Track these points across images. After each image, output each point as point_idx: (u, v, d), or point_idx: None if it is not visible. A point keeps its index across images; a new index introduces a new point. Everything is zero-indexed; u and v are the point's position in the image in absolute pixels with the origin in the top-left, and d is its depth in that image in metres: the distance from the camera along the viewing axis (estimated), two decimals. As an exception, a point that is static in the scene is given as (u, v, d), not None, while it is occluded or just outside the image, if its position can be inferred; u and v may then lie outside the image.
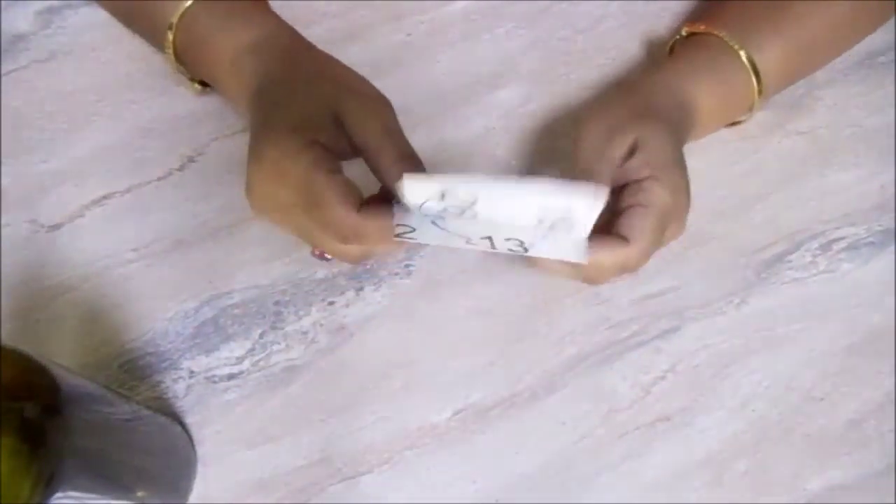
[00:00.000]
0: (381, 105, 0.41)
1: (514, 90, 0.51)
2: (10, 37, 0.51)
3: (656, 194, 0.40)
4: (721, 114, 0.47)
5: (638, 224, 0.40)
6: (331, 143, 0.39)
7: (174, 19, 0.44)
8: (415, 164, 0.40)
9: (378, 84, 0.51)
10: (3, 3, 0.52)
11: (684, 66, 0.46)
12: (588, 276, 0.41)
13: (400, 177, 0.36)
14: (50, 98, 0.50)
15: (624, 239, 0.40)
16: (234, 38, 0.43)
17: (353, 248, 0.39)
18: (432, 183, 0.36)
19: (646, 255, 0.41)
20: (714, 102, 0.45)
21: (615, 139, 0.41)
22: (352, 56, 0.51)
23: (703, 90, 0.45)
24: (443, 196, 0.37)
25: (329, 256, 0.43)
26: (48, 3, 0.52)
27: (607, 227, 0.41)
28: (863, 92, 0.52)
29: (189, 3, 0.43)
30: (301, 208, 0.38)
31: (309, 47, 0.44)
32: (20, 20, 0.51)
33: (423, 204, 0.37)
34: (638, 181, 0.41)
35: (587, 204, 0.36)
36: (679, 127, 0.44)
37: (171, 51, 0.45)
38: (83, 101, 0.50)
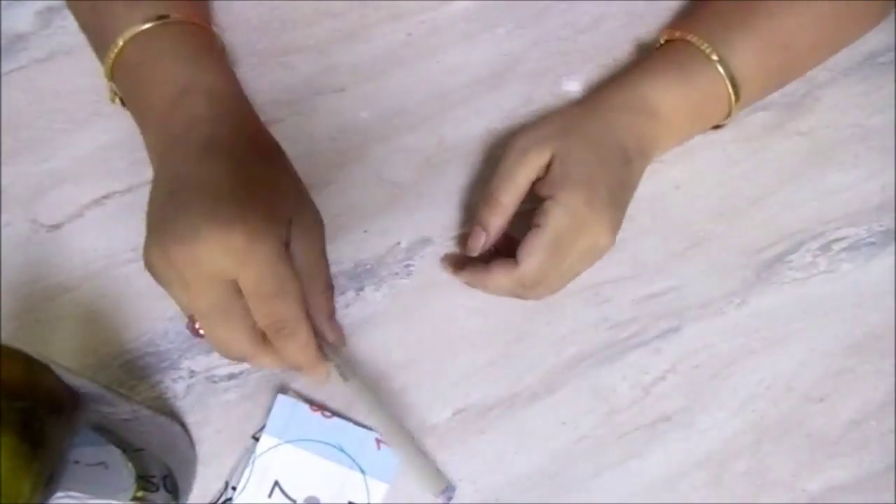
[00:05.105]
0: (320, 228, 0.42)
1: (514, 90, 0.51)
2: (10, 36, 0.51)
3: (551, 215, 0.42)
4: (693, 119, 0.47)
5: (527, 245, 0.42)
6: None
7: (122, 39, 0.42)
8: (332, 294, 0.43)
9: (378, 84, 0.51)
10: (3, 2, 0.52)
11: (650, 73, 0.46)
12: (487, 290, 0.45)
13: (328, 307, 0.42)
14: (50, 98, 0.50)
15: (515, 261, 0.43)
16: (191, 74, 0.41)
17: (245, 346, 0.37)
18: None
19: (538, 275, 0.42)
20: (682, 107, 0.45)
21: (528, 159, 0.43)
22: (352, 56, 0.52)
23: (668, 96, 0.45)
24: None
25: (202, 334, 0.40)
26: (48, 2, 0.52)
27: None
28: (863, 92, 0.52)
29: (148, 25, 0.42)
30: (238, 290, 0.36)
31: (261, 131, 0.43)
32: (20, 20, 0.51)
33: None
34: (542, 200, 0.43)
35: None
36: (631, 137, 0.44)
37: (109, 62, 0.43)
38: (83, 101, 0.50)
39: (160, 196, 0.37)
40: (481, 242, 0.45)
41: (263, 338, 0.37)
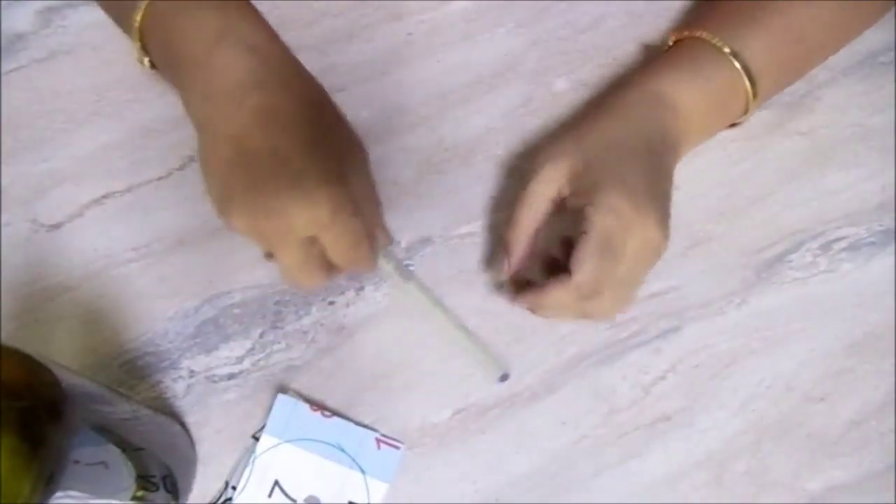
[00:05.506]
0: (367, 155, 0.43)
1: (514, 90, 0.51)
2: (10, 36, 0.51)
3: (594, 218, 0.41)
4: (713, 111, 0.46)
5: (577, 253, 0.41)
6: None
7: None
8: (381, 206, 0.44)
9: (378, 83, 0.51)
10: (3, 2, 0.52)
11: (661, 71, 0.45)
12: (550, 312, 0.44)
13: (381, 219, 0.44)
14: (50, 98, 0.50)
15: (568, 272, 0.41)
16: (224, 21, 0.40)
17: (319, 281, 0.41)
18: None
19: (594, 283, 0.41)
20: (700, 101, 0.45)
21: (544, 175, 0.43)
22: (352, 56, 0.51)
23: (683, 90, 0.44)
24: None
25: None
26: (48, 2, 0.52)
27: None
28: (863, 91, 0.52)
29: None
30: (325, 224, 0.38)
31: (308, 82, 0.43)
32: (20, 19, 0.51)
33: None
34: (581, 211, 0.42)
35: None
36: (654, 131, 0.44)
37: (138, 18, 0.42)
38: (83, 101, 0.50)
39: (224, 162, 0.38)
40: (506, 265, 0.45)
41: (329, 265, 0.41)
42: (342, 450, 0.45)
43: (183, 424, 0.45)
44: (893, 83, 0.52)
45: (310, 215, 0.37)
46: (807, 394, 0.47)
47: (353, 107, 0.51)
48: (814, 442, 0.46)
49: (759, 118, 0.51)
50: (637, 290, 0.43)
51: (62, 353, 0.46)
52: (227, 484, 0.45)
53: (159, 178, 0.49)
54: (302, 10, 0.52)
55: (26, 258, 0.48)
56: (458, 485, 0.45)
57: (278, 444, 0.45)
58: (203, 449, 0.45)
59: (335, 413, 0.46)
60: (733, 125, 0.48)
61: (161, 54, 0.43)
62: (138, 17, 0.42)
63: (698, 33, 0.45)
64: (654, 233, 0.41)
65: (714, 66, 0.45)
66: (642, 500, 0.45)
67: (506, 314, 0.47)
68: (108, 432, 0.36)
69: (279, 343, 0.47)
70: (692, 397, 0.47)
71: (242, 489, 0.44)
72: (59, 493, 0.30)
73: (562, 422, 0.46)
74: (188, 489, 0.44)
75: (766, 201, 0.50)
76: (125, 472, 0.37)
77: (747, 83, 0.45)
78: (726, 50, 0.44)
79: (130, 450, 0.37)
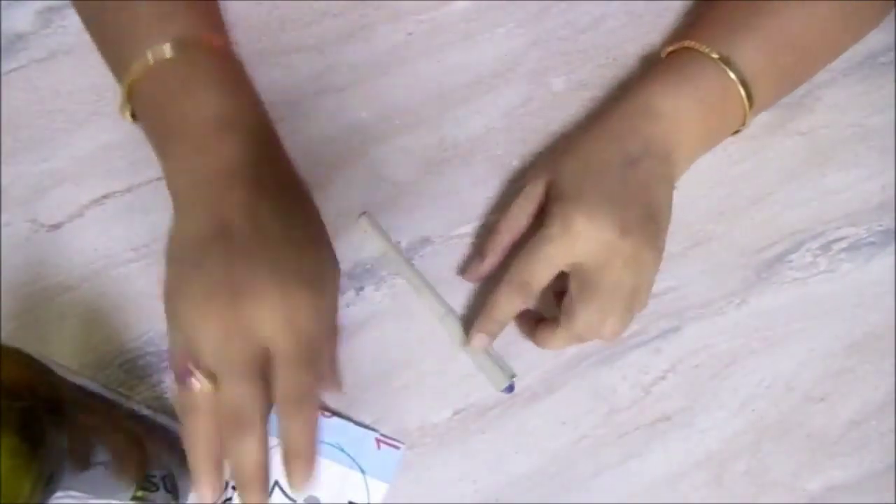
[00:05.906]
0: (339, 272, 0.40)
1: (514, 90, 0.51)
2: (10, 36, 0.51)
3: (544, 225, 0.43)
4: (705, 117, 0.45)
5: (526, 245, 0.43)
6: None
7: (152, 56, 0.40)
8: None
9: (378, 83, 0.51)
10: (3, 2, 0.52)
11: (649, 80, 0.45)
12: (543, 342, 0.45)
13: (336, 350, 0.39)
14: (50, 98, 0.50)
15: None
16: (225, 105, 0.39)
17: (256, 415, 0.34)
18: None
19: (523, 276, 0.43)
20: (693, 110, 0.44)
21: (525, 192, 0.46)
22: (352, 56, 0.51)
23: (674, 100, 0.44)
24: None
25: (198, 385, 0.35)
26: (48, 2, 0.52)
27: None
28: (863, 92, 0.52)
29: (169, 49, 0.39)
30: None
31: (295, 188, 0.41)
32: (20, 19, 0.51)
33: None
34: None
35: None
36: (633, 140, 0.44)
37: (133, 73, 0.40)
38: (83, 101, 0.50)
39: (199, 238, 0.36)
40: (477, 268, 0.47)
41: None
42: (342, 450, 0.45)
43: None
44: (893, 83, 0.52)
45: (277, 308, 0.33)
46: (807, 394, 0.47)
47: (353, 107, 0.51)
48: (814, 442, 0.46)
49: (758, 118, 0.51)
50: (627, 303, 0.43)
51: (62, 353, 0.46)
52: (227, 484, 0.45)
53: (159, 178, 0.49)
54: (302, 10, 0.52)
55: (26, 258, 0.48)
56: (458, 485, 0.45)
57: (278, 444, 0.45)
58: (203, 449, 0.45)
59: (335, 413, 0.46)
60: (736, 132, 0.48)
61: (151, 118, 0.42)
62: (133, 73, 0.40)
63: (687, 43, 0.46)
64: (617, 241, 0.41)
65: (703, 73, 0.45)
66: (642, 500, 0.45)
67: (506, 314, 0.47)
68: (107, 432, 0.36)
69: (279, 343, 0.47)
70: (692, 397, 0.47)
71: None
72: (59, 493, 0.30)
73: (562, 422, 0.46)
74: (188, 489, 0.44)
75: (766, 201, 0.50)
76: (125, 472, 0.37)
77: (741, 89, 0.45)
78: (714, 56, 0.44)
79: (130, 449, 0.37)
